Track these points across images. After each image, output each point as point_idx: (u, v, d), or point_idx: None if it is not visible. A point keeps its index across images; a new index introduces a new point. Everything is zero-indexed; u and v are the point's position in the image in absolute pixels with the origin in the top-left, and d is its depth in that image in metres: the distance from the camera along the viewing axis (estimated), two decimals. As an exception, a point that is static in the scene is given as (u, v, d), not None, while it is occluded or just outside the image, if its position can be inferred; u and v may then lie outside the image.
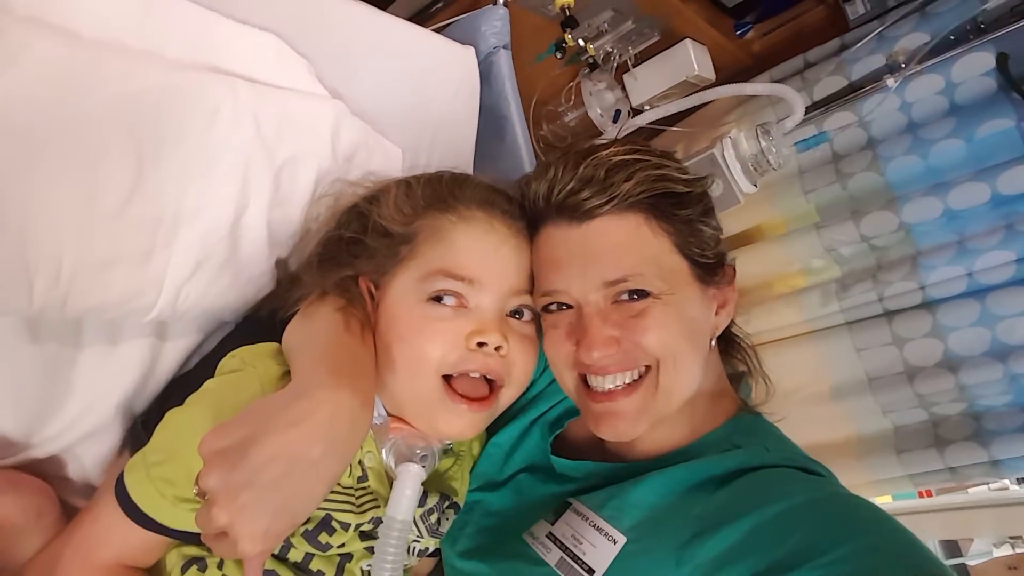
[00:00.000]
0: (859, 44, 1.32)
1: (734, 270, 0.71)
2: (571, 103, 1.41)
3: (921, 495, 1.63)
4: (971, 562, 2.80)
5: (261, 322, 0.72)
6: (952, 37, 1.25)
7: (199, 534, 0.57)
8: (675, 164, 0.67)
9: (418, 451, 0.64)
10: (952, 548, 2.91)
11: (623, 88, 1.39)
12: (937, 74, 1.30)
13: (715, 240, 0.68)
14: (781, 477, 0.61)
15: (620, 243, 0.62)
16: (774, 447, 0.66)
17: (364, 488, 0.66)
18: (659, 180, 0.63)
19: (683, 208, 0.64)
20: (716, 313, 0.69)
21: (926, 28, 1.29)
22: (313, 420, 0.50)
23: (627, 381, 0.64)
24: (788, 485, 0.60)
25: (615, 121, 1.38)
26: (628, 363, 0.63)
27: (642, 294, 0.62)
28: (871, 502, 0.57)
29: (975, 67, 1.27)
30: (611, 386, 0.64)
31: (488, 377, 0.64)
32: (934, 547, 2.81)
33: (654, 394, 0.63)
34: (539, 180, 0.66)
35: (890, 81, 1.25)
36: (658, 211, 0.63)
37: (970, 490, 1.62)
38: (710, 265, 0.66)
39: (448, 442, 0.73)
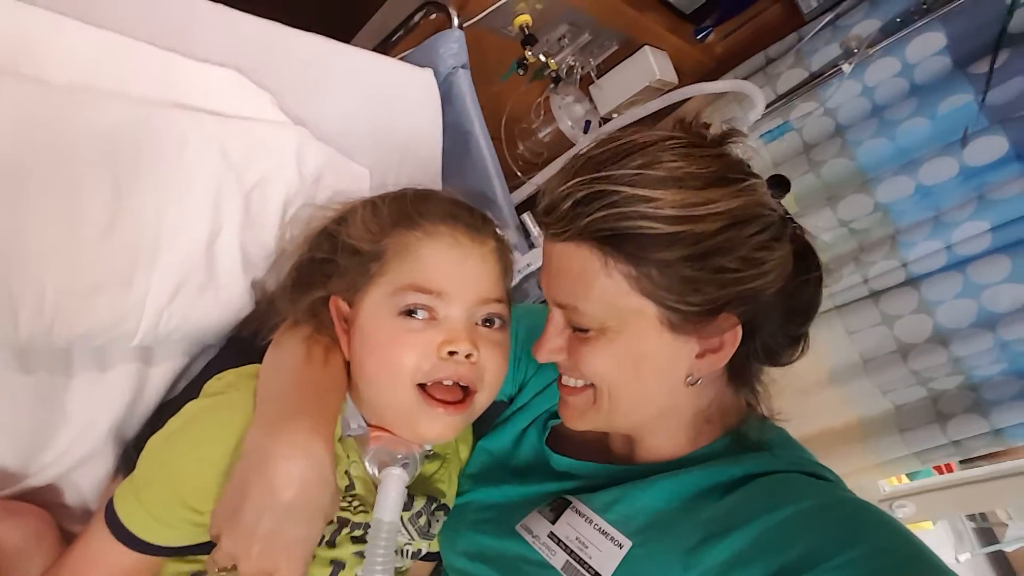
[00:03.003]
0: (812, 34, 1.36)
1: (737, 319, 0.60)
2: (542, 119, 1.46)
3: (940, 471, 1.61)
4: (1008, 548, 2.74)
5: (244, 343, 0.74)
6: (899, 20, 1.29)
7: (193, 547, 0.61)
8: (662, 199, 0.55)
9: (399, 456, 0.66)
10: (988, 536, 2.85)
11: (590, 99, 1.44)
12: (893, 57, 1.34)
13: (716, 285, 0.57)
14: (789, 482, 0.61)
15: (570, 272, 0.61)
16: (781, 453, 0.65)
17: (352, 496, 0.68)
18: (622, 219, 0.56)
19: (655, 251, 0.56)
20: (700, 356, 0.61)
21: (876, 15, 1.34)
22: (272, 470, 0.55)
23: (575, 385, 0.66)
24: (796, 490, 0.60)
25: (586, 132, 1.42)
26: (574, 374, 0.66)
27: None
28: (878, 507, 0.57)
29: (927, 47, 1.31)
30: (563, 381, 0.68)
31: (461, 384, 0.66)
32: (965, 527, 2.75)
33: (593, 406, 0.65)
34: (545, 187, 0.64)
35: (845, 66, 1.29)
36: (616, 251, 0.57)
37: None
38: (692, 313, 0.58)
39: (429, 447, 0.75)
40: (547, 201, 0.61)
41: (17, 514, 0.64)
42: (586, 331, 0.61)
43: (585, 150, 0.62)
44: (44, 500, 0.68)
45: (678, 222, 0.55)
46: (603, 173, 0.57)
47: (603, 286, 0.58)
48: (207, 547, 0.62)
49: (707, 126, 0.63)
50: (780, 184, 0.63)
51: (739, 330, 0.60)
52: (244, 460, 0.57)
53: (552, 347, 0.65)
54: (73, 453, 0.68)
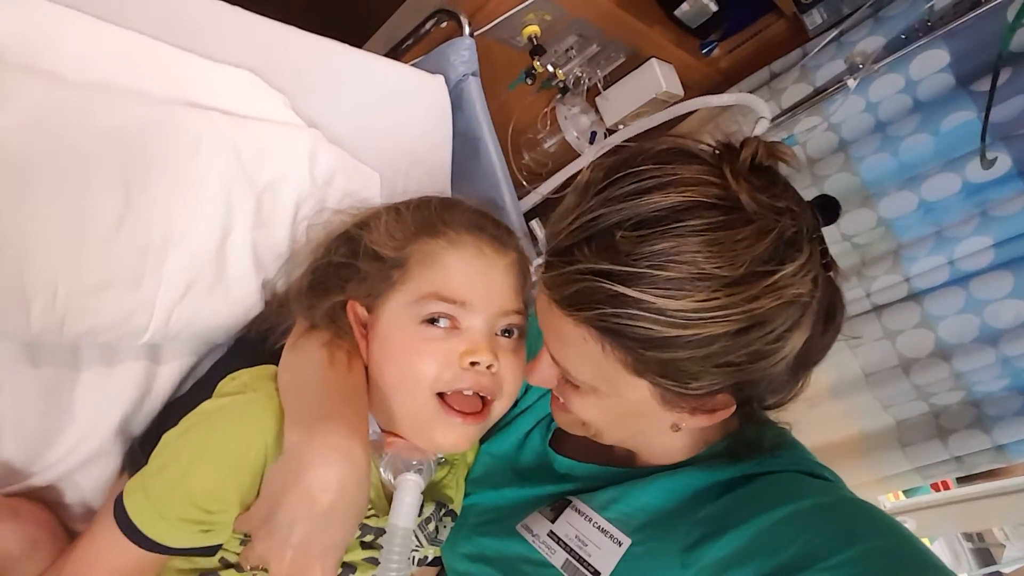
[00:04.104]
0: (817, 50, 1.38)
1: (734, 400, 0.57)
2: (548, 129, 1.46)
3: (937, 488, 1.61)
4: (1006, 569, 2.73)
5: (251, 344, 0.74)
6: (903, 36, 1.30)
7: (198, 549, 0.60)
8: (672, 308, 0.49)
9: (414, 463, 0.65)
10: (985, 556, 2.84)
11: (596, 110, 1.45)
12: (897, 73, 1.36)
13: (718, 376, 0.53)
14: (787, 482, 0.61)
15: (564, 341, 0.57)
16: (782, 453, 0.65)
17: None
18: (624, 318, 0.51)
19: (656, 350, 0.52)
20: (691, 414, 0.59)
21: (880, 31, 1.35)
22: (310, 475, 0.55)
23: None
24: (794, 489, 0.59)
25: (592, 143, 1.43)
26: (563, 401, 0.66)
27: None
28: (878, 507, 0.56)
29: (931, 64, 1.33)
30: (556, 393, 0.67)
31: (480, 393, 0.66)
32: (962, 548, 2.74)
33: (582, 427, 0.65)
34: (551, 231, 0.58)
35: (850, 81, 1.30)
36: (615, 341, 0.53)
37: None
38: (688, 395, 0.56)
39: (441, 454, 0.75)
40: (550, 272, 0.55)
41: (17, 517, 0.63)
42: (576, 385, 0.61)
43: (600, 195, 0.53)
44: (45, 499, 0.68)
45: (685, 327, 0.49)
46: (611, 267, 0.50)
47: (598, 363, 0.55)
48: (213, 550, 0.62)
49: (754, 152, 0.52)
50: (827, 209, 0.57)
51: (734, 406, 0.57)
52: (280, 465, 0.58)
53: (542, 377, 0.64)
54: (80, 451, 0.67)
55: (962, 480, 1.54)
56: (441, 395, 0.64)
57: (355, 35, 1.02)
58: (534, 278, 1.03)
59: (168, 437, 0.62)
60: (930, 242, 1.33)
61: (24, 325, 0.58)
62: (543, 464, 0.77)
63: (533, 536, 0.68)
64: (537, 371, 0.64)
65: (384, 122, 0.93)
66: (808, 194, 1.52)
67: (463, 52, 1.05)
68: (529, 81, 1.27)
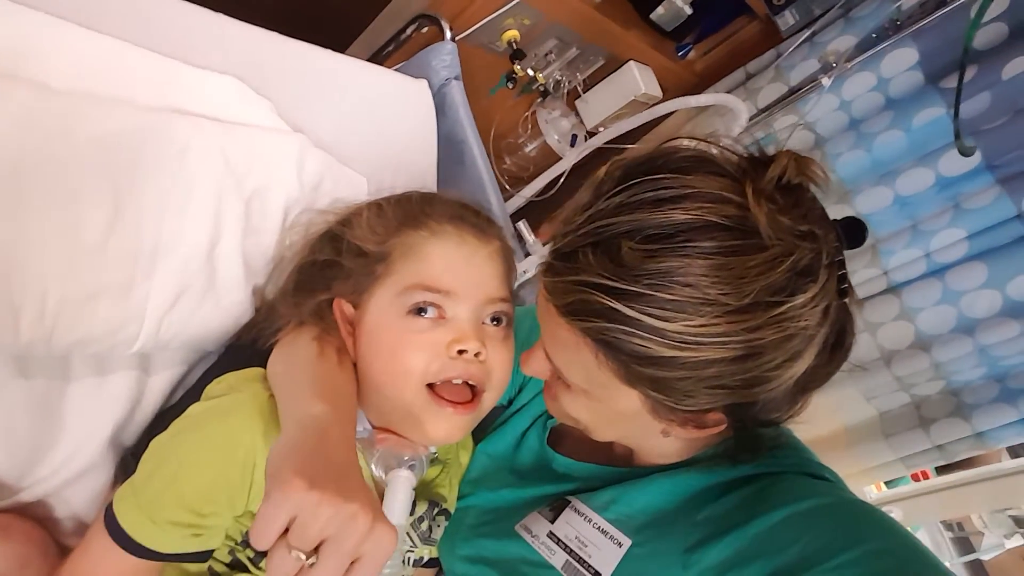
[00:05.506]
0: (791, 50, 1.41)
1: (726, 418, 0.56)
2: (529, 133, 1.47)
3: (917, 478, 1.64)
4: (985, 556, 2.78)
5: (242, 350, 0.74)
6: (874, 36, 1.34)
7: (189, 555, 0.60)
8: (670, 329, 0.48)
9: (406, 459, 0.65)
10: (965, 545, 2.89)
11: (576, 113, 1.46)
12: (869, 72, 1.39)
13: (712, 397, 0.52)
14: (788, 483, 0.61)
15: (560, 342, 0.57)
16: (782, 454, 0.65)
17: None
18: (620, 334, 0.50)
19: (650, 367, 0.51)
20: (682, 425, 0.58)
21: (851, 31, 1.39)
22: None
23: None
24: (794, 491, 0.59)
25: (572, 145, 1.45)
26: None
27: None
28: (878, 508, 0.57)
29: (901, 63, 1.36)
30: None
31: (469, 383, 0.66)
32: (943, 538, 2.79)
33: (570, 416, 0.65)
34: (558, 229, 0.57)
35: (824, 80, 1.33)
36: (609, 354, 0.52)
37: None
38: (679, 410, 0.55)
39: (434, 450, 0.75)
40: (551, 276, 0.55)
41: (6, 535, 0.62)
42: (568, 384, 0.61)
43: (613, 198, 0.51)
44: (35, 515, 0.66)
45: (681, 348, 0.48)
46: (612, 282, 0.49)
47: (590, 369, 0.55)
48: (203, 556, 0.62)
49: (783, 170, 0.50)
50: (853, 231, 0.55)
51: (724, 424, 0.57)
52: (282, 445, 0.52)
53: (536, 369, 0.65)
54: (71, 464, 0.66)
55: (941, 470, 1.58)
56: (431, 386, 0.64)
57: (336, 41, 1.02)
58: (524, 274, 1.04)
59: (157, 442, 0.61)
60: (906, 236, 1.36)
61: (12, 337, 0.57)
62: (542, 464, 0.77)
63: (532, 537, 0.68)
64: (531, 362, 0.64)
65: (369, 127, 0.93)
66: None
67: (445, 56, 1.05)
68: (510, 85, 1.28)
